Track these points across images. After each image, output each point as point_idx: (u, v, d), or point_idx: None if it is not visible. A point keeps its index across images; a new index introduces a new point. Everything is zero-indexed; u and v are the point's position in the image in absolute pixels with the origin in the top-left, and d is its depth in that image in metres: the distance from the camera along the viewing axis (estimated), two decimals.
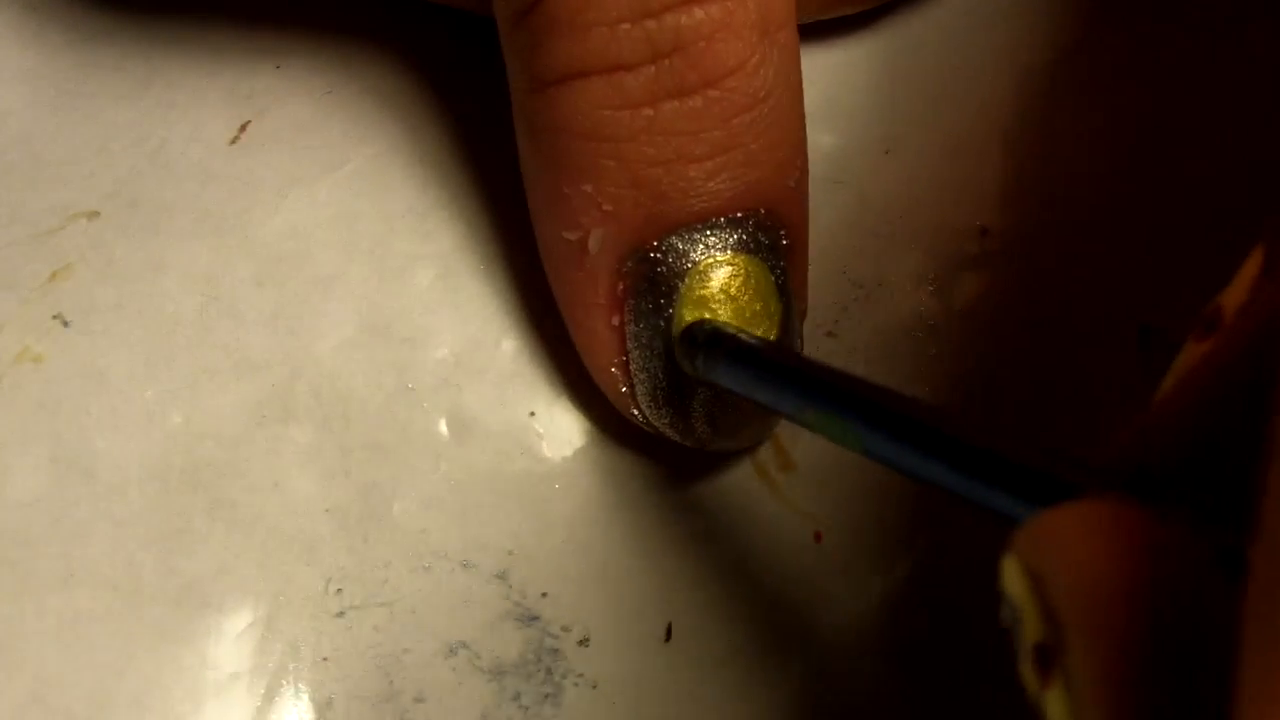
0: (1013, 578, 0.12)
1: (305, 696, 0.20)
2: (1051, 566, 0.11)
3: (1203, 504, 0.11)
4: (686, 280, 0.19)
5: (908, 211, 0.23)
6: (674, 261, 0.19)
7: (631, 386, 0.20)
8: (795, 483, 0.21)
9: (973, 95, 0.24)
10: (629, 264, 0.19)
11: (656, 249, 0.19)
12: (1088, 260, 0.23)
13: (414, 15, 0.24)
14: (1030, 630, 0.11)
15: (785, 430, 0.22)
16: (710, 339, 0.19)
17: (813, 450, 0.22)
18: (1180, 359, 0.13)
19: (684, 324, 0.19)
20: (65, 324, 0.21)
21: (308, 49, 0.24)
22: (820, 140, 0.23)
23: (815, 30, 0.24)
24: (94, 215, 0.22)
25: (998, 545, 0.21)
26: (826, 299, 0.22)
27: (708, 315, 0.19)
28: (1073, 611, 0.11)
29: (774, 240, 0.19)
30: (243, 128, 0.23)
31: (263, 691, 0.20)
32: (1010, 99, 0.24)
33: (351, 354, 0.21)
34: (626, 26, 0.18)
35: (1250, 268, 0.13)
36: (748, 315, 0.19)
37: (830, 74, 0.24)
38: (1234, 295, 0.13)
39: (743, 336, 0.19)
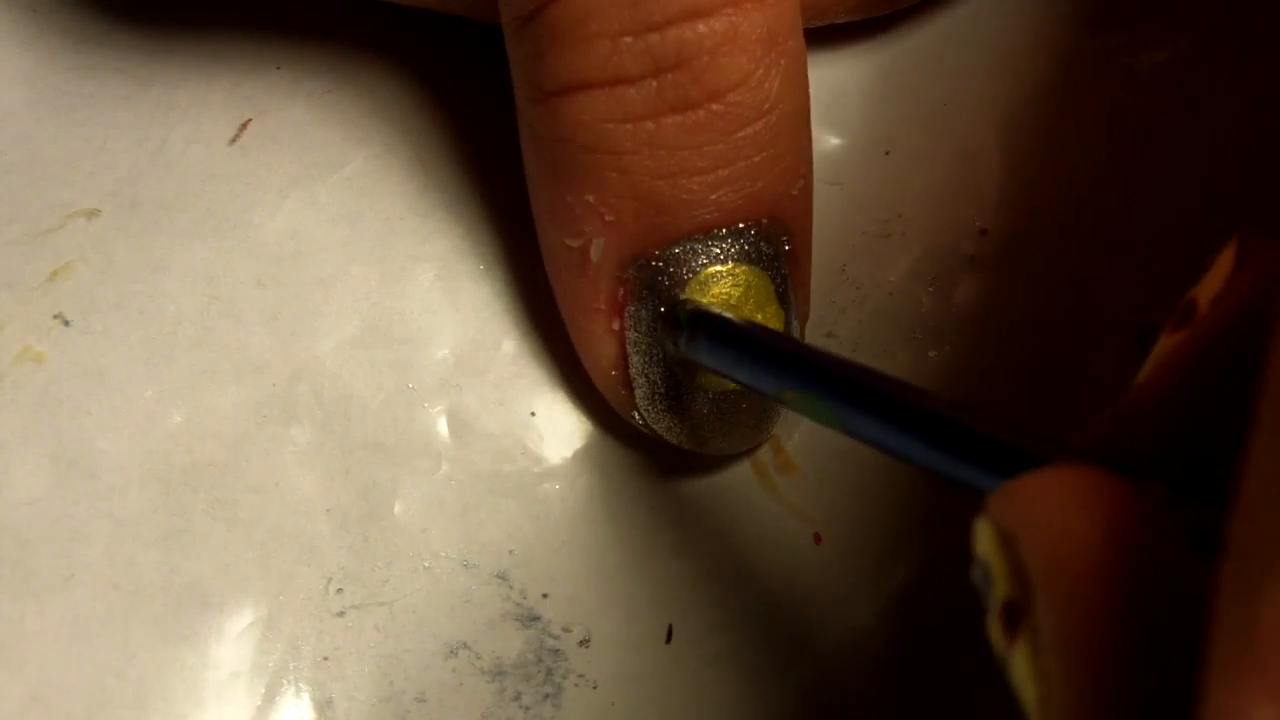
0: (984, 538, 0.12)
1: (305, 696, 0.20)
2: (1023, 527, 0.11)
3: (1174, 484, 0.11)
4: (686, 290, 0.19)
5: (908, 212, 0.23)
6: (674, 271, 0.19)
7: (630, 390, 0.20)
8: (795, 485, 0.21)
9: (973, 98, 0.24)
10: (630, 271, 0.19)
11: (658, 258, 0.19)
12: (1087, 261, 0.23)
13: (413, 18, 0.24)
14: (999, 589, 0.12)
15: (785, 432, 0.22)
16: (692, 319, 0.19)
17: (812, 452, 0.22)
18: (1156, 349, 0.14)
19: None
20: (66, 323, 0.21)
21: (308, 51, 0.24)
22: (822, 141, 0.23)
23: (817, 34, 0.24)
24: (94, 214, 0.22)
25: None
26: (826, 299, 0.22)
27: (715, 308, 0.19)
28: (1041, 571, 0.11)
29: (776, 248, 0.19)
30: (243, 128, 0.23)
31: (263, 691, 0.20)
32: (1010, 102, 0.24)
33: (352, 354, 0.21)
34: (628, 40, 0.18)
35: (1224, 261, 0.13)
36: None
37: (831, 77, 0.24)
38: (1208, 288, 0.13)
39: (724, 316, 0.19)
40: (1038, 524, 0.11)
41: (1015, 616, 0.11)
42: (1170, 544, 0.11)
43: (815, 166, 0.20)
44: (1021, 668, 0.11)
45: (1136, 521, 0.11)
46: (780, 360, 0.17)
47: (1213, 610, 0.09)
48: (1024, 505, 0.11)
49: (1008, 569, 0.11)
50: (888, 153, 0.23)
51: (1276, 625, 0.08)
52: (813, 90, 0.20)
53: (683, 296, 0.19)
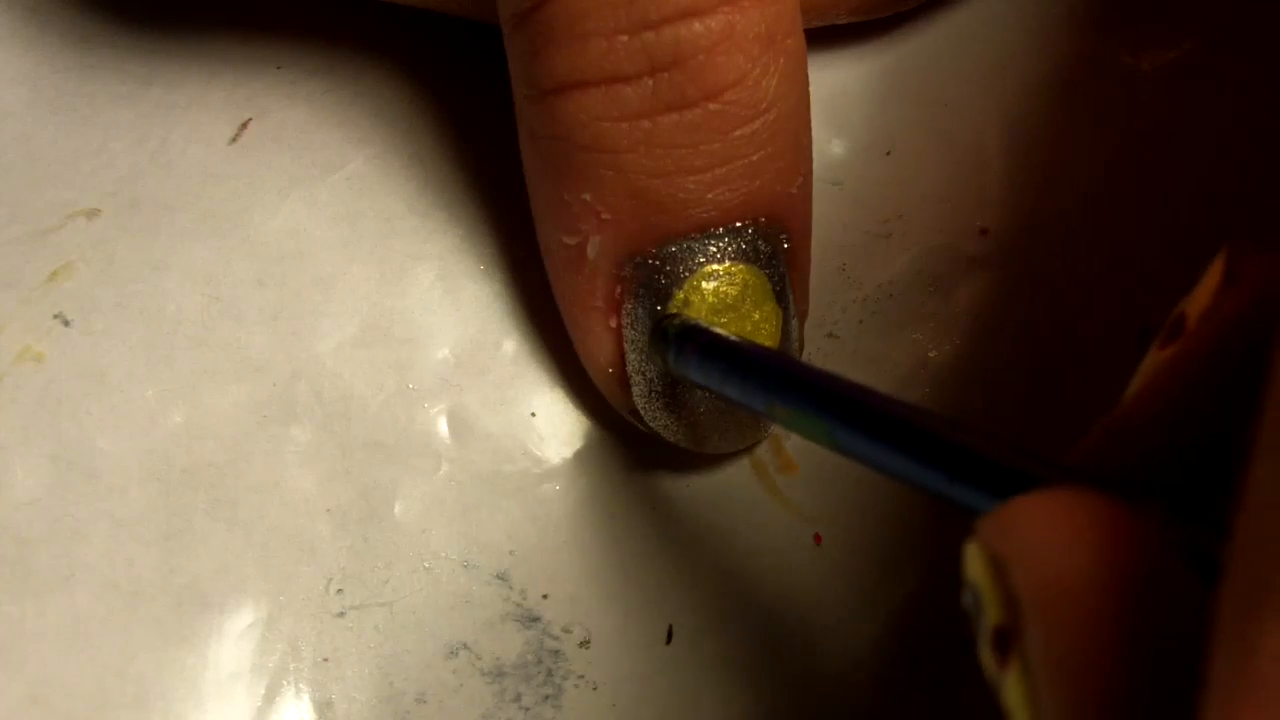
0: (975, 563, 0.12)
1: (306, 697, 0.20)
2: (1014, 552, 0.11)
3: (1167, 503, 0.11)
4: (683, 289, 0.19)
5: (908, 212, 0.23)
6: (671, 269, 0.19)
7: (628, 388, 0.20)
8: (795, 485, 0.21)
9: (974, 99, 0.24)
10: (627, 269, 0.19)
11: (655, 256, 0.19)
12: (1087, 262, 0.23)
13: (413, 18, 0.24)
14: (990, 614, 0.12)
15: (785, 432, 0.22)
16: (680, 334, 0.19)
17: (813, 452, 0.22)
18: (1145, 364, 0.14)
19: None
20: (66, 323, 0.21)
21: (308, 51, 0.24)
22: (823, 142, 0.23)
23: (818, 35, 0.24)
24: (94, 214, 0.22)
25: None
26: (826, 299, 0.22)
27: (703, 323, 0.19)
28: (1031, 596, 0.11)
29: (774, 247, 0.19)
30: (243, 128, 0.23)
31: (263, 692, 0.20)
32: (1011, 103, 0.24)
33: (352, 354, 0.21)
34: (624, 38, 0.18)
35: (1213, 276, 0.13)
36: (746, 325, 0.19)
37: (833, 77, 0.24)
38: (1197, 302, 0.13)
39: (712, 331, 0.19)
40: (1028, 549, 0.11)
41: (1006, 642, 0.11)
42: (1166, 566, 0.10)
43: (816, 166, 0.20)
44: (1014, 693, 0.11)
45: (1131, 543, 0.10)
46: (770, 376, 0.17)
47: (1211, 635, 0.09)
48: (1014, 529, 0.11)
49: (998, 594, 0.11)
50: (889, 153, 0.23)
51: (1276, 654, 0.08)
52: (814, 91, 0.20)
53: (678, 296, 0.19)
